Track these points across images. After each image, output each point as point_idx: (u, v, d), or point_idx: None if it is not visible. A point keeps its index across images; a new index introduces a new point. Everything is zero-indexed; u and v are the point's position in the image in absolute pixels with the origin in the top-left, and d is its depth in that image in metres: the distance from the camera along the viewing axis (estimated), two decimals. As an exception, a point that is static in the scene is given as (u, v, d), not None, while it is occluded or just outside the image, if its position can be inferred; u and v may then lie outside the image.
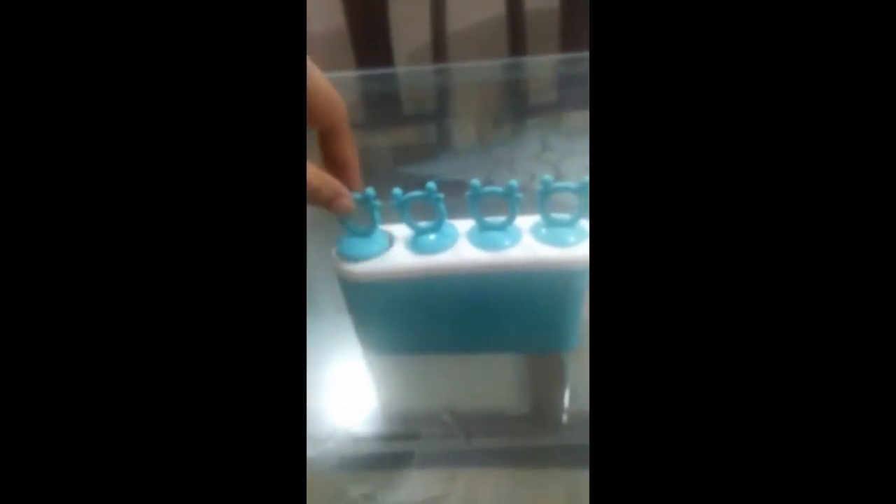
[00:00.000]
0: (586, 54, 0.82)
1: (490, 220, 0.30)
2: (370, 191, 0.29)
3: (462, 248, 0.29)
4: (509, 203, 0.28)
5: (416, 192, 0.28)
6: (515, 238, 0.29)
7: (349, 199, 0.29)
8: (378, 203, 0.29)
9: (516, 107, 0.78)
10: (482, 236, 0.30)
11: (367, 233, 0.30)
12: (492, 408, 0.33)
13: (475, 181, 0.28)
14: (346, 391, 0.34)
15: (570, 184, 0.27)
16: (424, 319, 0.32)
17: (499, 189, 0.28)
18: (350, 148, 0.30)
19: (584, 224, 0.30)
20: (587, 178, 0.27)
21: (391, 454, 0.30)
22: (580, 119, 0.67)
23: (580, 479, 0.27)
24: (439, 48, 0.94)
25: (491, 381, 0.34)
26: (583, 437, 0.30)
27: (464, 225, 0.31)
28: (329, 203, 0.28)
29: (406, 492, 0.28)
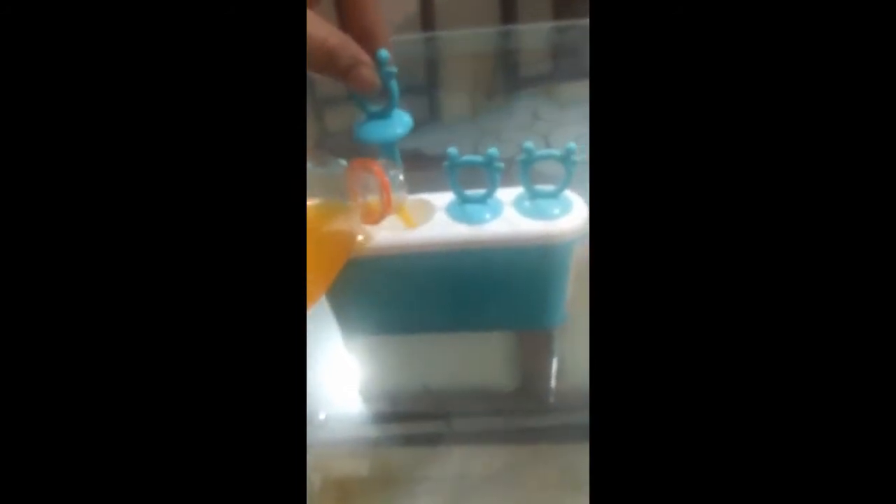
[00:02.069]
0: (580, 22, 0.79)
1: (470, 192, 0.28)
2: (383, 53, 0.24)
3: (440, 222, 0.28)
4: (489, 173, 0.27)
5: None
6: (497, 211, 0.28)
7: (371, 70, 0.23)
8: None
9: (507, 77, 0.76)
10: (461, 209, 0.28)
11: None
12: (481, 385, 0.32)
13: (452, 150, 0.26)
14: (329, 373, 0.33)
15: (555, 151, 0.26)
16: (403, 298, 0.31)
17: (477, 158, 0.26)
18: (375, 10, 0.24)
19: (570, 195, 0.28)
20: (572, 144, 0.25)
21: (380, 435, 0.30)
22: (572, 89, 0.65)
23: (573, 454, 0.27)
24: (427, 16, 0.91)
25: (479, 358, 0.33)
26: (574, 413, 0.29)
27: (443, 198, 0.29)
28: (346, 72, 0.23)
29: (396, 470, 0.27)
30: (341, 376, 0.33)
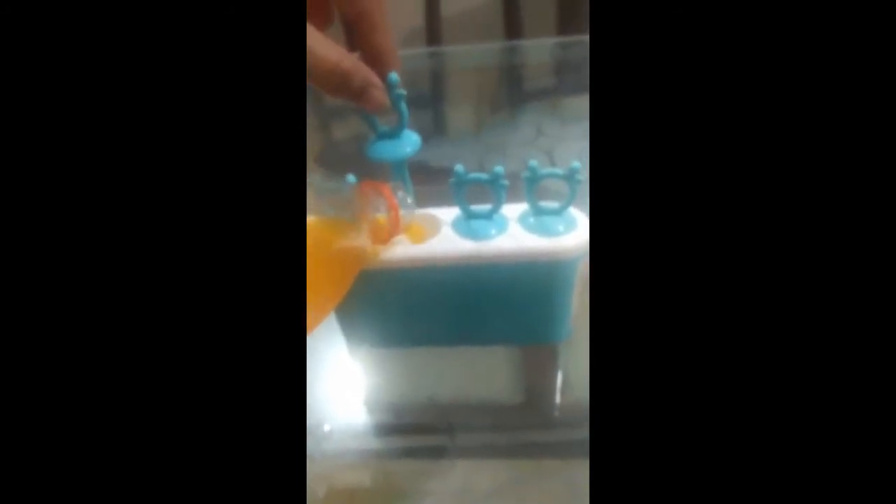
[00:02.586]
0: (584, 38, 0.80)
1: (475, 208, 0.29)
2: (393, 77, 0.25)
3: (446, 237, 0.28)
4: (495, 190, 0.27)
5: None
6: (502, 227, 0.28)
7: (382, 92, 0.25)
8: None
9: (512, 92, 0.77)
10: (467, 225, 0.28)
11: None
12: (485, 399, 0.32)
13: (459, 167, 0.26)
14: (334, 384, 0.34)
15: (558, 170, 0.26)
16: (409, 311, 0.31)
17: (483, 176, 0.27)
18: (385, 34, 0.25)
19: (574, 212, 0.28)
20: (577, 164, 0.26)
21: (384, 447, 0.30)
22: (576, 104, 0.65)
23: (577, 470, 0.27)
24: (433, 31, 0.93)
25: (483, 372, 0.33)
26: (578, 428, 0.29)
27: (448, 213, 0.30)
28: (358, 95, 0.24)
29: (400, 483, 0.27)
30: (346, 388, 0.33)
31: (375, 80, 0.24)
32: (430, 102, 0.74)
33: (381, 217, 0.26)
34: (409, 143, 0.27)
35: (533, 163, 0.26)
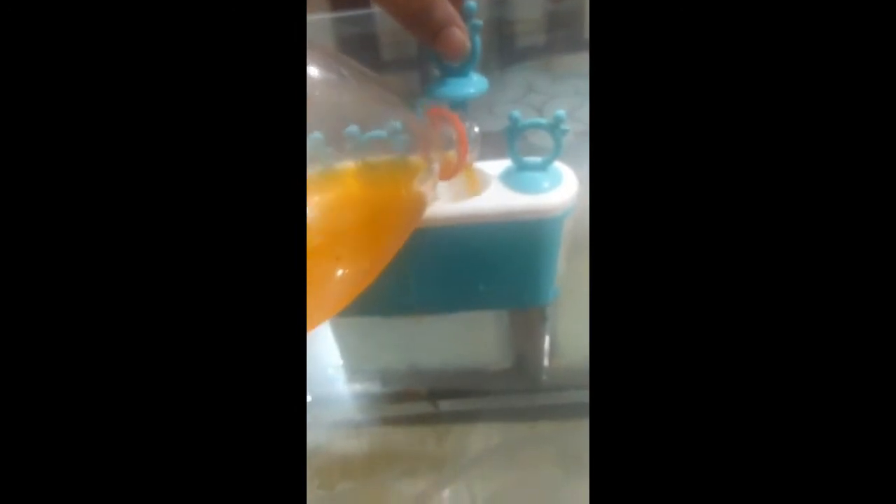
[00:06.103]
0: (577, -10, 0.77)
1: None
2: (471, 4, 0.22)
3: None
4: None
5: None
6: (483, 184, 0.27)
7: (465, 32, 0.21)
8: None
9: (502, 48, 0.74)
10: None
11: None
12: (473, 365, 0.31)
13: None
14: (317, 355, 0.33)
15: (542, 120, 0.24)
16: (387, 277, 0.30)
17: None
18: None
19: (560, 167, 0.27)
20: (561, 112, 0.24)
21: (370, 417, 0.29)
22: (568, 61, 0.63)
23: (568, 432, 0.27)
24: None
25: (470, 337, 0.33)
26: (567, 391, 0.29)
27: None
28: (437, 31, 0.20)
29: (389, 451, 0.27)
30: (329, 359, 0.33)
31: (458, 18, 0.21)
32: (416, 62, 0.71)
33: (451, 153, 0.24)
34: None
35: (515, 113, 0.24)
